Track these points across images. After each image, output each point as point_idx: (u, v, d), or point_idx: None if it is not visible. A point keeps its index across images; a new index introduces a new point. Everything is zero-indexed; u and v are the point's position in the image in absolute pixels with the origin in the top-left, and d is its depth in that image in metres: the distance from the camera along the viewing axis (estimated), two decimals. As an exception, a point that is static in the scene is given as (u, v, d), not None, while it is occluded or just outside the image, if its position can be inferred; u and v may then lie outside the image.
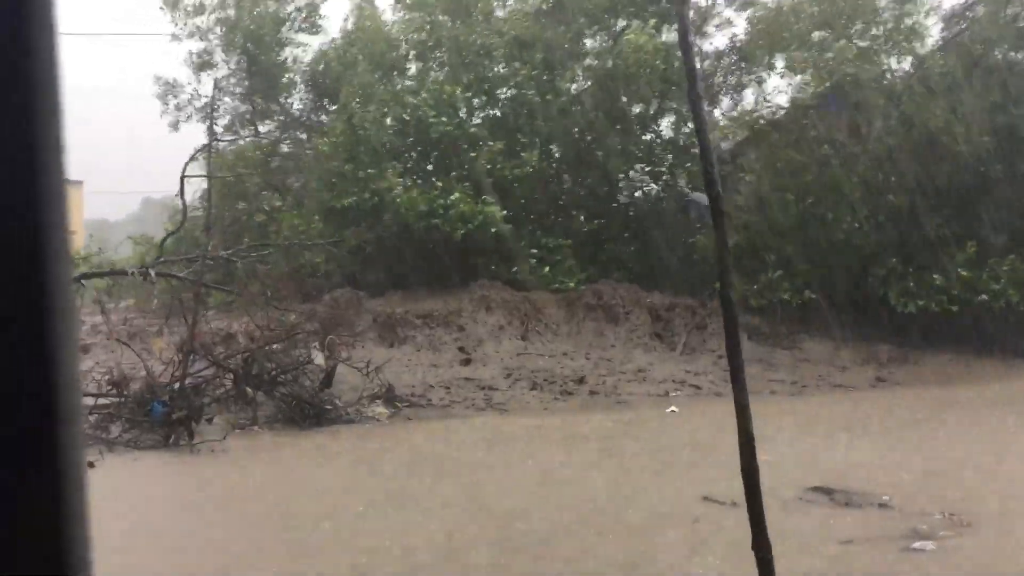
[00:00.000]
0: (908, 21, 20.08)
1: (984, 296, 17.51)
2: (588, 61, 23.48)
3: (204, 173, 14.73)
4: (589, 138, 22.83)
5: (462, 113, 19.72)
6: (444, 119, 18.89)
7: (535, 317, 18.95)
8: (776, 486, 8.29)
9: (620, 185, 23.89)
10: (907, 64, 20.76)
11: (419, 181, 18.97)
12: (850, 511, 7.80)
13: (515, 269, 19.57)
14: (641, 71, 22.08)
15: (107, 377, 11.45)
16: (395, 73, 19.97)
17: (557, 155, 23.32)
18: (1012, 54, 19.37)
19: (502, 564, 6.37)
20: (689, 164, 23.43)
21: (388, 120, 18.48)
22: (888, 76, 20.67)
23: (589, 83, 23.12)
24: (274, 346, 13.15)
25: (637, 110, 23.79)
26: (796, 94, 21.28)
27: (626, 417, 13.06)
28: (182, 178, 12.46)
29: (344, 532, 7.17)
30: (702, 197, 25.17)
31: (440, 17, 20.31)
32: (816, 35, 20.09)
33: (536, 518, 7.43)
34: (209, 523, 7.48)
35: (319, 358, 13.35)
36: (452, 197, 18.33)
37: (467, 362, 16.91)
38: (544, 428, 12.09)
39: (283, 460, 10.07)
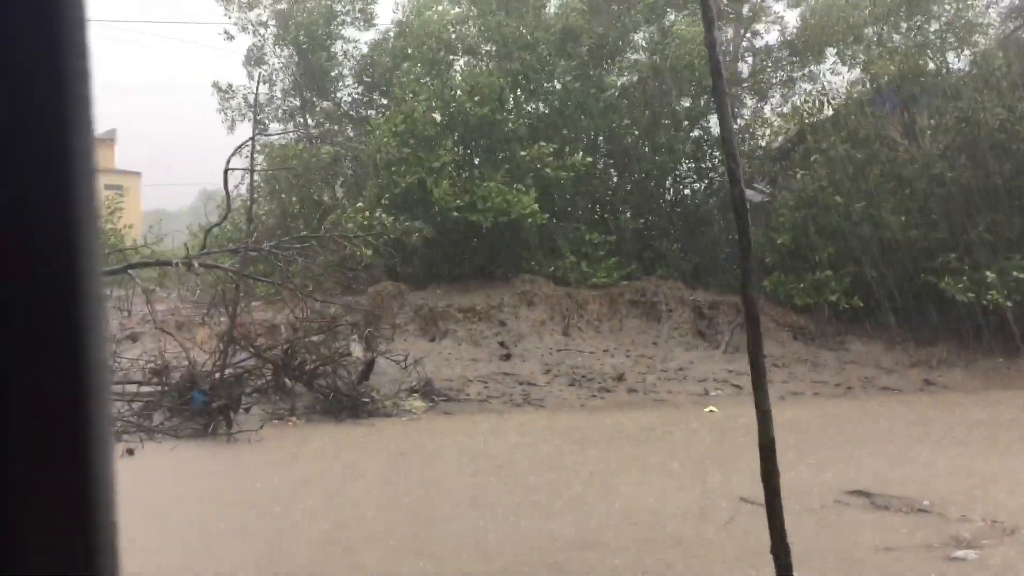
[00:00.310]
0: (967, 15, 19.52)
1: None
2: (635, 56, 23.28)
3: (247, 166, 14.92)
4: (636, 133, 22.69)
5: (508, 105, 19.68)
6: (485, 109, 18.89)
7: (576, 313, 18.90)
8: (816, 488, 8.25)
9: (667, 182, 23.69)
10: (964, 60, 20.21)
11: (464, 174, 19.00)
12: (889, 515, 7.66)
13: (553, 267, 19.54)
14: (689, 66, 21.89)
15: (149, 366, 11.69)
16: (443, 66, 19.99)
17: (604, 151, 23.27)
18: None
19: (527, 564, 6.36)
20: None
21: (436, 115, 18.54)
22: (945, 71, 20.15)
23: (636, 78, 22.95)
24: (314, 338, 13.31)
25: (686, 105, 23.56)
26: (849, 89, 20.85)
27: (664, 416, 12.96)
28: (225, 171, 12.67)
29: (365, 526, 7.20)
30: (753, 194, 24.90)
31: (490, 10, 20.27)
32: (870, 30, 19.63)
33: (569, 518, 7.40)
34: (230, 512, 7.60)
35: (358, 350, 13.47)
36: (487, 185, 18.33)
37: (507, 357, 16.92)
38: (580, 425, 12.04)
39: (315, 451, 10.18)
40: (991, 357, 18.08)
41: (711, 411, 13.17)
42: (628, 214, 22.47)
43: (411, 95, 18.69)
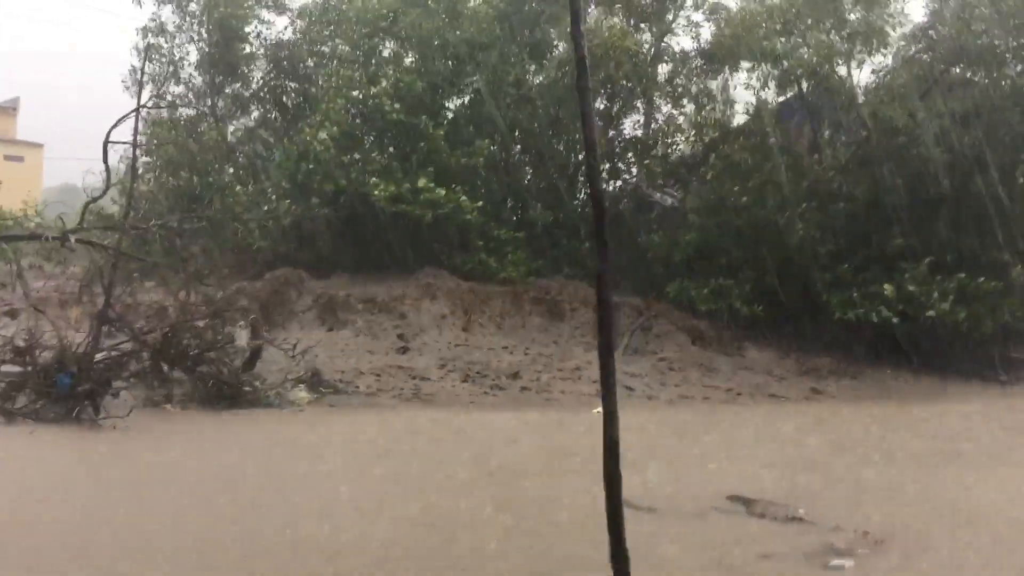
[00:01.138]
0: (872, 30, 19.97)
1: (931, 312, 17.48)
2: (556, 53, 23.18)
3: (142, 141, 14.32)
4: (550, 132, 22.68)
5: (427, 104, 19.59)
6: (398, 107, 18.74)
7: (479, 309, 18.77)
8: (695, 493, 8.22)
9: (581, 181, 23.71)
10: (867, 76, 20.74)
11: (392, 169, 18.79)
12: (766, 523, 7.69)
13: (459, 260, 19.45)
14: (603, 62, 21.94)
15: (13, 345, 11.12)
16: (368, 56, 19.71)
17: (519, 146, 23.19)
18: (969, 75, 19.31)
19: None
20: (647, 162, 23.40)
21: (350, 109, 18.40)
22: (848, 86, 20.61)
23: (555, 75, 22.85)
24: (200, 323, 12.87)
25: (601, 107, 23.60)
26: (756, 100, 21.18)
27: (549, 416, 12.92)
28: (105, 143, 12.11)
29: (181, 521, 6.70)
30: (665, 197, 25.16)
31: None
32: (779, 43, 19.90)
33: (392, 518, 7.01)
34: (67, 500, 7.19)
35: (243, 337, 13.08)
36: (421, 183, 18.16)
37: (404, 350, 16.70)
38: (462, 422, 11.90)
39: (173, 442, 9.75)
40: (880, 369, 18.58)
41: (598, 413, 13.13)
42: (539, 210, 22.40)
43: (334, 92, 18.48)
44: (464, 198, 18.39)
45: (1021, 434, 12.93)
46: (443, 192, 18.22)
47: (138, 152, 13.91)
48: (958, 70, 19.69)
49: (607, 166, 23.54)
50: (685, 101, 23.54)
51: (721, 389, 15.87)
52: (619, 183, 23.85)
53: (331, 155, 18.01)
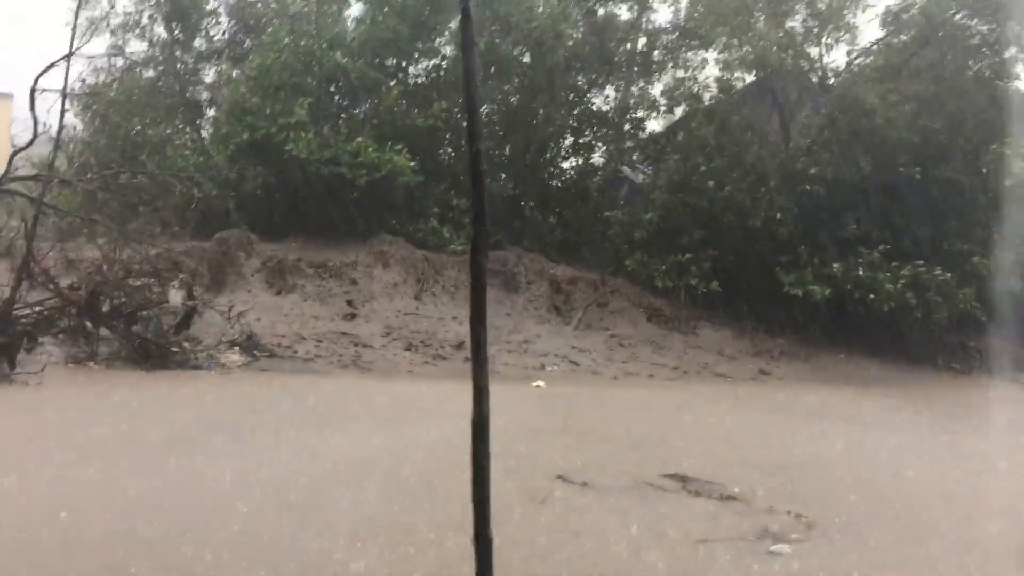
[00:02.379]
0: (843, 14, 19.70)
1: (872, 296, 17.39)
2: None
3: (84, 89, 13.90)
4: (515, 101, 22.33)
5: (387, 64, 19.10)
6: (339, 55, 18.27)
7: (432, 278, 18.52)
8: (634, 469, 8.04)
9: (548, 155, 23.41)
10: (839, 58, 20.47)
11: (325, 126, 18.26)
12: (701, 500, 7.57)
13: (413, 228, 19.12)
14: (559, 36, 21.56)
15: (-73, 296, 10.81)
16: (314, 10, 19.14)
17: (486, 115, 22.77)
18: (937, 58, 19.07)
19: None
20: (611, 135, 23.11)
21: (288, 57, 17.80)
22: (818, 68, 20.37)
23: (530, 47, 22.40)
24: (136, 282, 12.57)
25: (580, 81, 23.26)
26: (723, 79, 20.85)
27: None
28: (32, 90, 11.65)
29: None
30: (637, 174, 24.88)
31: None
32: (751, 21, 19.57)
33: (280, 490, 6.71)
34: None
35: (176, 298, 12.79)
36: (357, 141, 17.74)
37: (351, 316, 16.44)
38: (387, 390, 11.65)
39: (78, 399, 9.48)
40: (833, 353, 18.48)
41: (538, 386, 13.00)
42: (503, 181, 22.10)
43: (266, 36, 17.95)
44: (400, 159, 17.86)
45: (946, 417, 12.90)
46: (375, 153, 17.73)
47: (77, 103, 13.49)
48: (928, 54, 19.43)
49: (570, 140, 23.32)
50: (658, 76, 23.25)
51: (668, 367, 15.71)
52: (587, 158, 23.47)
53: (250, 103, 17.50)
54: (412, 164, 18.04)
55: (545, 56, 21.44)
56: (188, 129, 19.85)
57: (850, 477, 8.46)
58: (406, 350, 14.83)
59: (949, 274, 17.64)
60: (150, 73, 20.55)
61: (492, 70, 21.03)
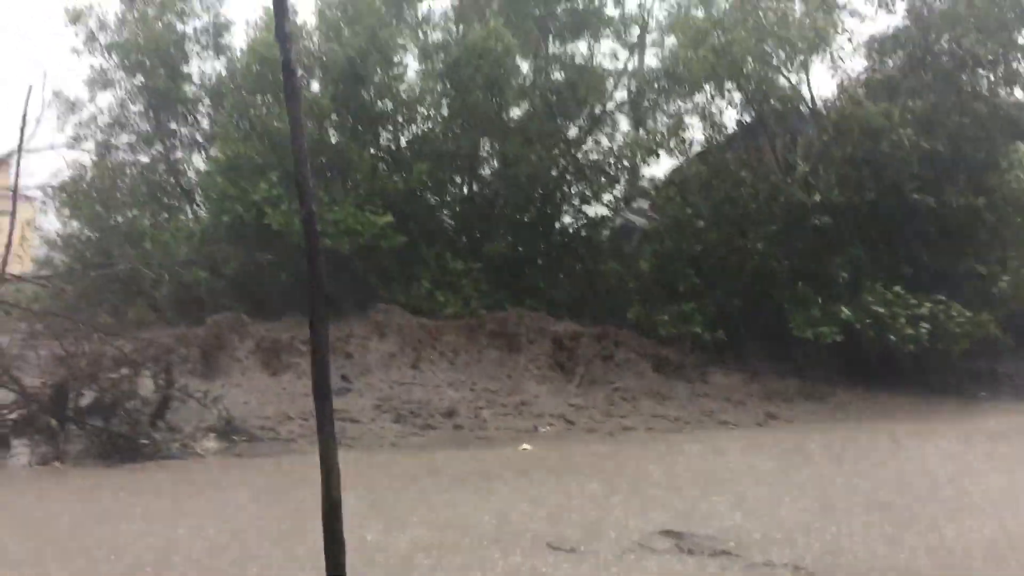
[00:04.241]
0: (830, 49, 19.32)
1: (893, 337, 16.60)
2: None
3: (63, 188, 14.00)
4: (510, 156, 22.12)
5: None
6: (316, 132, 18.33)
7: (431, 345, 18.14)
8: (628, 527, 7.78)
9: (549, 210, 23.08)
10: (824, 84, 20.01)
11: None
12: (695, 558, 7.16)
13: (406, 295, 18.86)
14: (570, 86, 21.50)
15: None
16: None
17: (483, 173, 22.58)
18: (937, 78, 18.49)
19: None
20: (610, 186, 22.81)
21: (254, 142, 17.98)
22: (812, 103, 19.89)
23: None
24: (105, 374, 12.36)
25: (573, 133, 23.06)
26: (714, 119, 20.45)
27: (470, 454, 12.24)
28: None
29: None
30: (637, 220, 24.48)
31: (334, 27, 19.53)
32: (745, 63, 19.18)
33: None
34: None
35: (150, 386, 12.58)
36: (335, 208, 17.65)
37: (345, 391, 16.06)
38: (360, 466, 11.20)
39: (24, 505, 9.19)
40: (850, 389, 17.72)
41: (524, 449, 12.49)
42: (504, 239, 21.80)
43: (234, 127, 18.09)
44: (378, 220, 17.68)
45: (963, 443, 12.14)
46: (353, 217, 17.57)
47: (51, 195, 13.55)
48: (922, 75, 18.87)
49: (568, 191, 22.95)
50: (652, 119, 22.94)
51: (669, 418, 15.08)
52: (580, 209, 23.13)
53: (223, 187, 17.54)
54: (389, 221, 17.78)
55: (534, 107, 21.33)
56: (181, 216, 19.93)
57: (858, 527, 7.93)
58: (395, 422, 14.42)
59: (965, 309, 16.83)
60: (138, 161, 20.80)
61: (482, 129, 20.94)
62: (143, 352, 13.12)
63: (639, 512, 8.37)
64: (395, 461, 11.84)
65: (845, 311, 16.99)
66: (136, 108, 20.68)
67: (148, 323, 17.76)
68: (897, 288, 17.25)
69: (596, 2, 21.97)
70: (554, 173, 21.67)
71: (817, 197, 18.66)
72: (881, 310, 17.01)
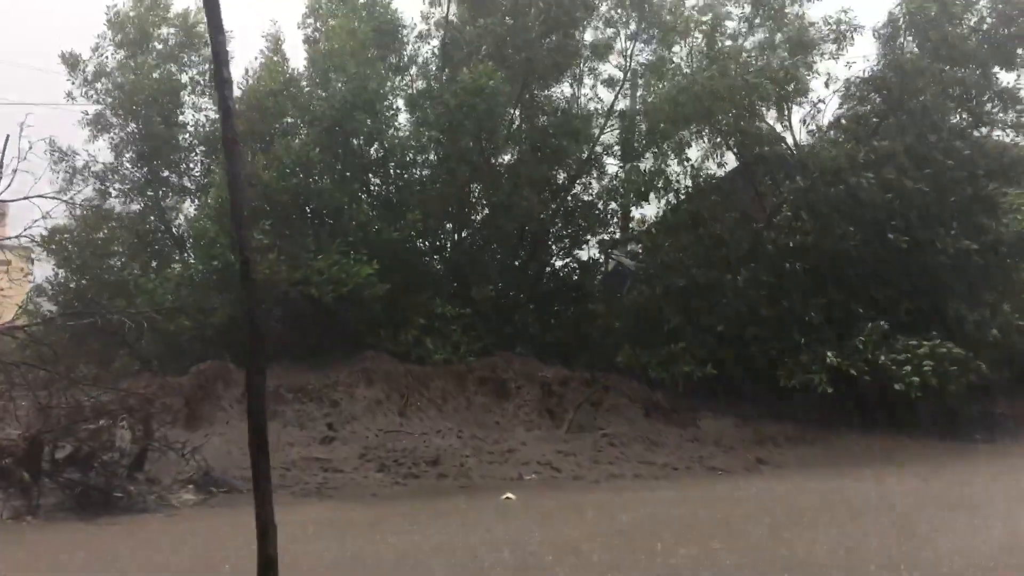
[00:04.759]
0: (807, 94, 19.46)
1: (898, 386, 16.40)
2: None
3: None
4: (496, 202, 22.16)
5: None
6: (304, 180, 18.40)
7: (418, 391, 17.99)
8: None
9: (538, 254, 23.03)
10: (808, 135, 20.01)
11: (294, 247, 18.16)
12: None
13: (393, 342, 18.75)
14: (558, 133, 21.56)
15: None
16: (273, 137, 19.27)
17: (473, 218, 22.55)
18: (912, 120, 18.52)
19: None
20: (600, 229, 22.79)
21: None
22: (791, 148, 19.90)
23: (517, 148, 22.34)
24: (82, 425, 12.21)
25: (561, 178, 23.07)
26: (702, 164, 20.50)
27: (451, 503, 12.02)
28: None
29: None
30: (629, 263, 24.42)
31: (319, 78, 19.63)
32: (724, 110, 19.23)
33: None
34: None
35: (125, 438, 12.41)
36: (319, 258, 17.61)
37: (329, 440, 15.90)
38: (329, 519, 11.01)
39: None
40: (844, 434, 17.49)
41: (507, 498, 12.27)
42: (495, 284, 21.71)
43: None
44: (363, 270, 17.64)
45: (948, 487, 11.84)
46: (338, 267, 17.53)
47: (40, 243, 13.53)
48: (903, 116, 18.88)
49: (558, 235, 22.90)
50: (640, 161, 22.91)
51: (657, 464, 14.83)
52: (569, 251, 23.12)
53: (212, 235, 17.55)
54: (373, 273, 17.71)
55: (521, 151, 21.37)
56: (172, 265, 19.88)
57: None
58: (378, 471, 14.19)
59: (960, 349, 16.64)
60: (129, 209, 20.83)
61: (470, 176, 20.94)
62: (122, 402, 12.95)
63: (610, 565, 8.16)
64: (365, 512, 11.60)
65: (830, 356, 16.79)
66: (129, 155, 20.69)
67: (132, 373, 17.63)
68: (885, 329, 17.06)
69: (578, 43, 22.00)
70: (543, 217, 21.59)
71: (792, 242, 18.62)
72: (881, 357, 16.78)
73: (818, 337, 17.49)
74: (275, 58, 20.37)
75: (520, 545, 8.98)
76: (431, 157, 21.05)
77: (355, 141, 19.70)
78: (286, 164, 17.77)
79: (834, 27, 19.62)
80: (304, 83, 19.90)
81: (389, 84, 20.39)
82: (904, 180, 17.47)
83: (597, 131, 22.76)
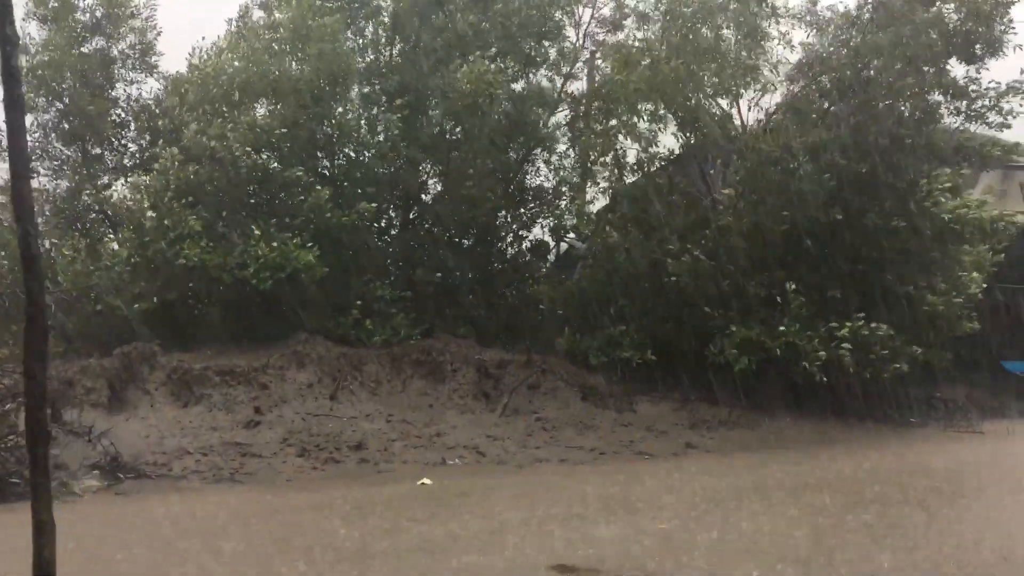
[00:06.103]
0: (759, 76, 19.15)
1: (806, 365, 16.28)
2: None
3: None
4: (440, 185, 21.85)
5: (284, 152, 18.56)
6: (260, 157, 17.91)
7: (352, 375, 17.66)
8: (523, 563, 7.45)
9: (488, 236, 22.68)
10: (757, 114, 19.74)
11: (234, 232, 17.71)
12: None
13: (332, 324, 18.43)
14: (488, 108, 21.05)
15: None
16: (225, 113, 18.68)
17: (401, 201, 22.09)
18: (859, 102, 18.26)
19: None
20: (552, 211, 22.49)
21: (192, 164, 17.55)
22: (742, 130, 19.66)
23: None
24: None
25: (513, 157, 22.72)
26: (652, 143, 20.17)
27: (364, 490, 11.74)
28: None
29: None
30: (583, 246, 24.15)
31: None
32: (675, 90, 18.90)
33: None
34: None
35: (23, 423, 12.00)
36: (252, 243, 17.19)
37: (254, 424, 15.53)
38: (230, 506, 10.70)
39: None
40: (778, 415, 17.39)
41: (423, 484, 12.01)
42: (434, 267, 21.35)
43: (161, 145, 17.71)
44: (302, 255, 17.26)
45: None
46: (276, 252, 17.14)
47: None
48: (854, 101, 18.64)
49: (508, 218, 22.58)
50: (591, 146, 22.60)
51: (585, 449, 14.64)
52: (520, 235, 22.82)
53: (146, 219, 17.12)
54: (313, 258, 17.33)
55: (475, 129, 20.89)
56: (110, 245, 19.34)
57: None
58: (299, 456, 13.89)
59: (886, 327, 16.51)
60: (60, 187, 20.29)
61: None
62: (58, 383, 12.56)
63: (541, 545, 8.06)
64: (272, 500, 11.28)
65: (754, 333, 16.64)
66: (58, 132, 20.12)
67: (58, 354, 17.16)
68: (812, 310, 16.92)
69: (528, 21, 21.56)
70: (490, 197, 21.22)
71: (729, 221, 18.42)
72: (794, 333, 16.63)
73: (754, 317, 17.31)
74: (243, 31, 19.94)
75: (391, 534, 8.70)
76: (381, 138, 20.59)
77: (307, 118, 19.12)
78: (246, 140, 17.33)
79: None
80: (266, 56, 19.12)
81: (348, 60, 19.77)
82: (840, 161, 17.25)
83: (546, 114, 22.44)
